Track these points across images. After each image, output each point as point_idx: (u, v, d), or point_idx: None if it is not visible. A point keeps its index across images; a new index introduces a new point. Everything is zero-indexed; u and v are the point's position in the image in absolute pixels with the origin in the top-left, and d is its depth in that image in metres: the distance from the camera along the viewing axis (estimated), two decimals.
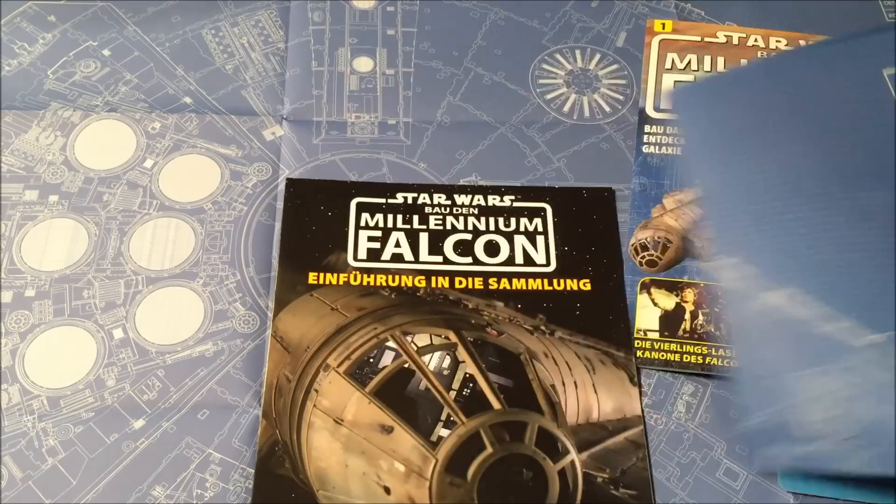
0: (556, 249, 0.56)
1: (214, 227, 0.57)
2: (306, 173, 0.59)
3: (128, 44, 0.65)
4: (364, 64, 0.65)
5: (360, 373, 0.50)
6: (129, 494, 0.47)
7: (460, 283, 0.55)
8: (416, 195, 0.58)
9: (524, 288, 0.54)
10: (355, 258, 0.55)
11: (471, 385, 0.50)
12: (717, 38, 0.65)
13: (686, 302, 0.54)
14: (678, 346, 0.52)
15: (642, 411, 0.51)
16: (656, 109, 0.62)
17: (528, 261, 0.56)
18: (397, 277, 0.54)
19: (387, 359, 0.51)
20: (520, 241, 0.56)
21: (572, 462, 0.48)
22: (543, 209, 0.58)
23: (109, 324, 0.53)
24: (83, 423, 0.49)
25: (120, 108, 0.62)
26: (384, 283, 0.54)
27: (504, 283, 0.55)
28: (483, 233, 0.57)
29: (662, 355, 0.52)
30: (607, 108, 0.63)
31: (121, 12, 0.67)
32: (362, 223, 0.56)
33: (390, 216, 0.57)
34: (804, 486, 0.48)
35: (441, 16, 0.68)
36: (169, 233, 0.56)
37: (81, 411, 0.50)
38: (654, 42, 0.65)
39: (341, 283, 0.54)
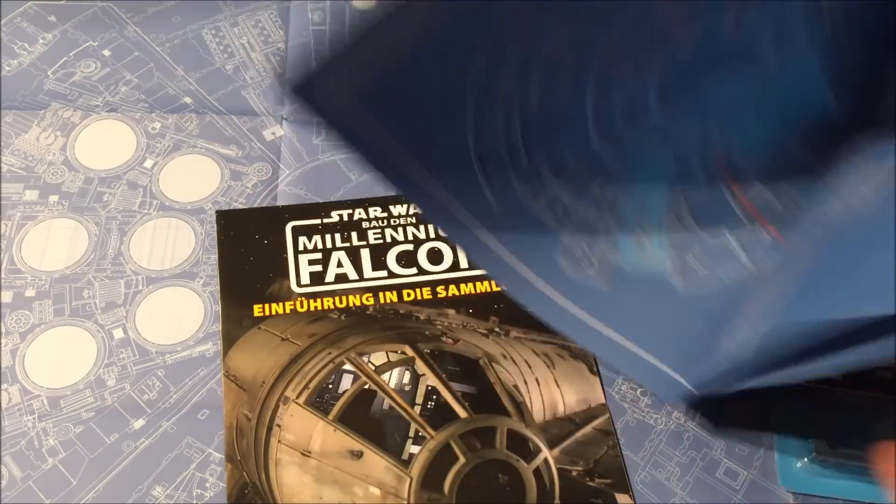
0: None
1: (215, 226, 0.57)
2: (306, 173, 0.59)
3: (128, 44, 0.65)
4: None
5: (320, 401, 0.49)
6: (129, 494, 0.47)
7: (409, 295, 0.54)
8: (350, 211, 0.57)
9: (473, 292, 0.54)
10: (298, 284, 0.54)
11: (434, 397, 0.50)
12: None
13: None
14: None
15: (605, 398, 0.51)
16: None
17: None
18: (344, 298, 0.53)
19: (346, 382, 0.50)
20: None
21: (545, 460, 0.48)
22: None
23: (109, 324, 0.53)
24: (83, 423, 0.49)
25: (120, 109, 0.62)
26: (332, 306, 0.53)
27: (452, 290, 0.54)
28: (424, 241, 0.56)
29: None
30: None
31: (121, 12, 0.67)
32: (300, 247, 0.55)
33: (328, 236, 0.56)
34: (804, 486, 0.48)
35: None
36: (169, 233, 0.57)
37: (81, 411, 0.50)
38: None
39: (288, 311, 0.53)
